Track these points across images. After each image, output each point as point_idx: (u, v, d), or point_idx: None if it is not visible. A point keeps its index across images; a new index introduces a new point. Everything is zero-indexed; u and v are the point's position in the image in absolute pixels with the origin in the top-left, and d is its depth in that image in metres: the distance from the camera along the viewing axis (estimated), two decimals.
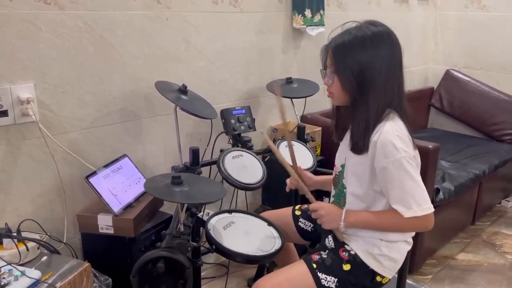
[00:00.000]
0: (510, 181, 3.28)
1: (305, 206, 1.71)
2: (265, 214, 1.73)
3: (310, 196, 1.47)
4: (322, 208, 1.39)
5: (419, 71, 3.63)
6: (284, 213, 1.71)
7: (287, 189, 1.58)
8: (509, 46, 3.29)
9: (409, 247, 1.45)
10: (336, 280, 1.37)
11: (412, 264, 2.34)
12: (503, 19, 3.28)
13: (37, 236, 1.51)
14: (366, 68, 1.28)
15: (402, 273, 1.74)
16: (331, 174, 1.63)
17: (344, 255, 1.40)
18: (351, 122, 1.37)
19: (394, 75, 1.32)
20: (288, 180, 1.55)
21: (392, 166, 1.26)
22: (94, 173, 1.68)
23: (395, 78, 1.33)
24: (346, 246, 1.43)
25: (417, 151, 1.35)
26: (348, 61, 1.30)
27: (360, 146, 1.32)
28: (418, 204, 1.28)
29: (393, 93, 1.32)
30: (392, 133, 1.27)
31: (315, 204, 1.41)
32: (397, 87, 1.34)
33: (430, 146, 2.14)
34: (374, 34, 1.30)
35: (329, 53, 1.34)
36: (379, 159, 1.28)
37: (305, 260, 1.42)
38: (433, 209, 1.30)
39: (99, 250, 1.72)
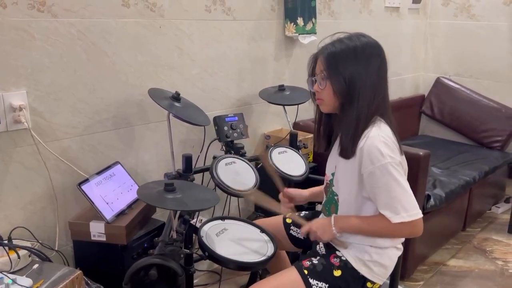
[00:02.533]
0: (500, 188, 3.32)
1: (296, 213, 1.72)
2: (256, 222, 1.73)
3: (300, 221, 1.54)
4: (312, 226, 1.44)
5: (410, 79, 3.67)
6: (275, 221, 1.72)
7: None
8: (497, 54, 3.34)
9: (399, 253, 1.47)
10: (327, 286, 1.38)
11: (403, 270, 2.35)
12: (491, 28, 3.34)
13: (28, 244, 1.50)
14: (357, 76, 1.32)
15: (394, 279, 1.76)
16: (321, 183, 1.66)
17: (335, 261, 1.41)
18: (340, 127, 1.39)
19: (381, 85, 1.37)
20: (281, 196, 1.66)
21: (378, 172, 1.28)
22: (86, 180, 1.68)
23: (382, 88, 1.38)
24: (337, 252, 1.44)
25: (403, 157, 1.37)
26: (341, 67, 1.34)
27: (348, 151, 1.35)
28: (405, 209, 1.29)
29: (379, 101, 1.36)
30: (377, 139, 1.29)
31: (305, 227, 1.47)
32: (383, 96, 1.38)
33: (421, 153, 2.16)
34: (365, 44, 1.35)
35: (321, 60, 1.37)
36: (365, 165, 1.31)
37: (296, 267, 1.42)
38: (421, 215, 1.31)
39: (91, 258, 1.71)
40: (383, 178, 1.28)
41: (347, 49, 1.34)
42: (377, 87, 1.35)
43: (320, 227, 1.43)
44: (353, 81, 1.32)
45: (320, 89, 1.38)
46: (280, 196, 1.66)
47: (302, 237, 1.65)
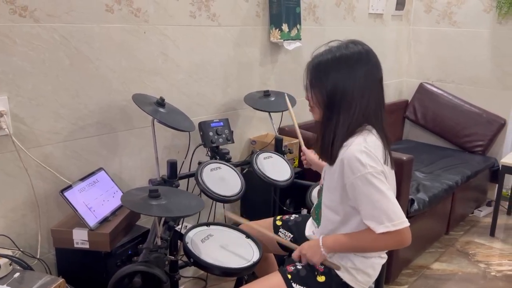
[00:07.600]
0: (482, 191, 3.37)
1: (286, 216, 1.73)
2: (246, 225, 1.73)
3: (291, 245, 1.51)
4: (302, 249, 1.43)
5: (393, 84, 3.72)
6: (264, 224, 1.72)
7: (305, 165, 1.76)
8: (478, 60, 3.41)
9: (383, 262, 1.47)
10: None
11: (388, 274, 2.37)
12: (472, 35, 3.40)
13: (9, 252, 1.47)
14: (338, 87, 1.31)
15: (379, 284, 1.77)
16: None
17: (320, 267, 1.42)
18: (319, 134, 1.39)
19: (370, 93, 1.33)
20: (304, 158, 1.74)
21: (360, 182, 1.26)
22: (69, 187, 1.66)
23: (372, 96, 1.33)
24: None
25: (389, 166, 1.35)
26: (322, 78, 1.33)
27: (324, 157, 1.39)
28: (390, 219, 1.25)
29: (369, 110, 1.33)
30: (357, 148, 1.27)
31: (296, 251, 1.45)
32: (375, 104, 1.34)
33: (405, 158, 2.19)
34: (352, 53, 1.32)
35: (308, 70, 1.38)
36: (347, 175, 1.29)
37: (280, 272, 1.43)
38: (407, 224, 1.26)
39: (74, 265, 1.69)
40: (365, 188, 1.26)
41: (331, 60, 1.32)
42: (365, 96, 1.31)
43: (309, 249, 1.41)
44: (334, 92, 1.31)
45: (308, 98, 1.40)
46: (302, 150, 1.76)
47: (290, 241, 1.65)
